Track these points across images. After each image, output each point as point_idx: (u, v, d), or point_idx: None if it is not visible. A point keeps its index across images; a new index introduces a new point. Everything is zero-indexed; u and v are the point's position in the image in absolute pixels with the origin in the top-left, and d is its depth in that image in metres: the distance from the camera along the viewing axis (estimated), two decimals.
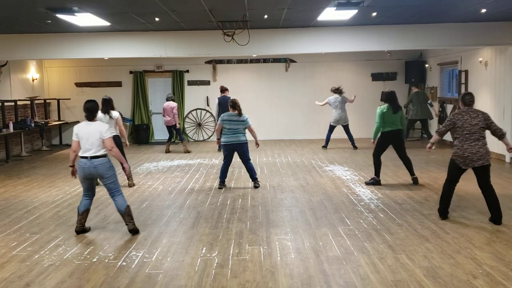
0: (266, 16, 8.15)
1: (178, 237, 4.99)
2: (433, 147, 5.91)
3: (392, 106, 7.24)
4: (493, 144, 9.86)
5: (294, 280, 3.83)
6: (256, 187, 7.33)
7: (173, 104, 11.21)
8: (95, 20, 7.93)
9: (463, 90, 11.14)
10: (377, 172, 7.45)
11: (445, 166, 8.80)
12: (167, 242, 4.83)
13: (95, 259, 4.37)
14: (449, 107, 11.96)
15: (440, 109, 12.22)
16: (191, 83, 13.84)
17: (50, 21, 8.08)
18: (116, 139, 7.22)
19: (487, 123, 5.21)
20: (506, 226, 5.19)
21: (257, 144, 7.45)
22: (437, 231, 5.02)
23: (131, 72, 13.78)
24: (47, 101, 13.33)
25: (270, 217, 5.71)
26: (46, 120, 12.64)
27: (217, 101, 10.98)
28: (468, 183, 7.43)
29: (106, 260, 4.35)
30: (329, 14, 7.83)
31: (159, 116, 14.04)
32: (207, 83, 13.87)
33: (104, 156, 5.01)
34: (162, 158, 10.65)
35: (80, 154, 4.99)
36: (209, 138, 13.98)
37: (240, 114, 7.18)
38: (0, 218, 5.85)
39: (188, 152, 11.37)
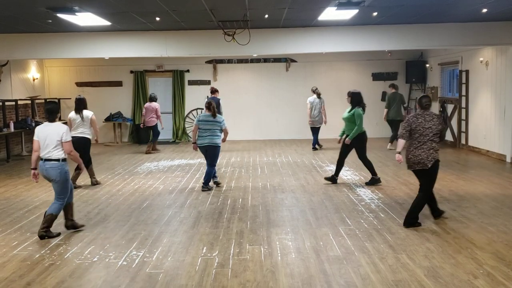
0: (266, 16, 8.15)
1: (178, 237, 4.99)
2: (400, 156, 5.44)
3: (363, 107, 7.38)
4: (494, 145, 9.93)
5: (295, 279, 3.83)
6: (203, 190, 7.21)
7: (156, 104, 11.30)
8: (96, 20, 7.93)
9: (464, 90, 11.15)
10: (373, 171, 7.48)
11: (445, 167, 8.86)
12: (167, 242, 4.83)
13: (95, 259, 4.37)
14: (449, 107, 11.95)
15: (441, 109, 12.21)
16: (191, 82, 13.84)
17: (50, 21, 8.08)
18: (84, 142, 7.28)
19: (439, 128, 5.19)
20: (506, 226, 5.19)
21: (223, 140, 7.41)
22: (438, 231, 5.02)
23: (131, 72, 13.79)
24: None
25: (270, 217, 5.71)
26: None
27: (207, 100, 11.04)
28: (468, 183, 7.43)
29: (107, 260, 4.35)
30: (329, 13, 7.82)
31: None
32: (207, 82, 13.85)
33: (57, 160, 4.92)
34: (163, 157, 10.65)
35: (40, 155, 4.97)
36: None
37: (214, 115, 7.09)
38: (1, 218, 5.85)
39: (151, 153, 11.34)
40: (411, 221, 5.20)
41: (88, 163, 7.55)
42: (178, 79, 13.76)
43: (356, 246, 4.60)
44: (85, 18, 7.71)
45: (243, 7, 7.35)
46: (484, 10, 7.82)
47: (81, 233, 5.16)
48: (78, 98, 7.53)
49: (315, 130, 11.45)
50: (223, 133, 7.27)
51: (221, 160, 10.21)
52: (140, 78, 13.74)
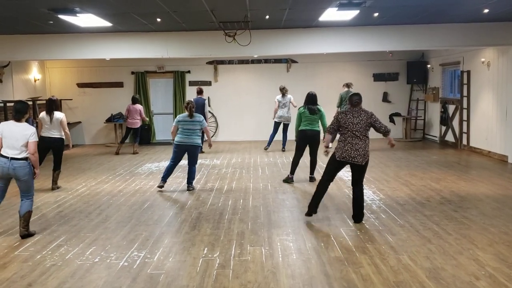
0: (267, 17, 8.15)
1: (179, 238, 4.99)
2: (330, 146, 5.79)
3: (308, 108, 7.55)
4: (496, 145, 9.91)
5: (296, 280, 3.83)
6: (189, 190, 7.26)
7: (139, 106, 11.37)
8: (97, 21, 7.94)
9: (465, 91, 11.13)
10: (293, 169, 7.78)
11: (447, 168, 8.86)
12: (168, 243, 4.83)
13: (97, 259, 4.38)
14: (451, 108, 11.94)
15: (442, 110, 12.20)
16: (192, 83, 13.83)
17: (52, 22, 8.09)
18: (55, 142, 7.23)
19: (371, 122, 5.39)
20: (508, 227, 5.18)
21: (210, 145, 7.56)
22: (439, 232, 5.01)
23: (132, 73, 13.79)
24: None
25: (271, 218, 5.70)
26: None
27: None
28: (469, 184, 7.42)
29: (108, 260, 4.35)
30: (330, 14, 7.82)
31: (160, 116, 14.08)
32: (208, 83, 13.86)
33: (25, 159, 4.94)
34: (164, 158, 10.65)
35: (1, 152, 4.93)
36: None
37: (191, 116, 7.10)
38: (2, 218, 5.86)
39: (137, 153, 11.41)
40: (362, 215, 5.45)
41: (56, 166, 7.44)
42: (179, 80, 13.76)
43: (357, 247, 4.59)
44: (86, 19, 7.72)
45: (244, 8, 7.35)
46: (486, 11, 7.81)
47: (82, 234, 5.16)
48: (50, 99, 7.41)
49: (285, 128, 11.45)
50: (206, 133, 7.34)
51: (222, 160, 10.22)
52: (141, 79, 13.75)
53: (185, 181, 8.08)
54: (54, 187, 7.55)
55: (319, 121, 7.68)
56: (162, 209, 6.23)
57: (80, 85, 13.85)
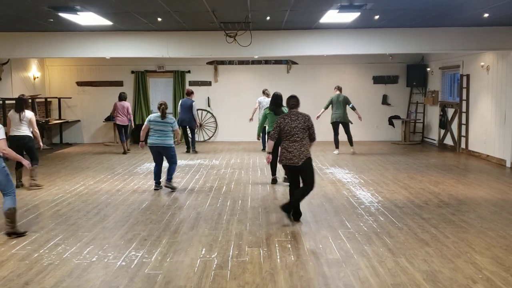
0: (268, 18, 8.16)
1: (177, 238, 4.99)
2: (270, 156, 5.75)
3: (274, 109, 7.50)
4: (494, 149, 9.92)
5: (294, 282, 3.82)
6: (167, 187, 7.22)
7: (127, 103, 11.34)
8: (98, 19, 7.93)
9: (464, 95, 11.15)
10: (273, 171, 7.78)
11: (446, 170, 8.87)
12: (166, 243, 4.82)
13: (94, 259, 4.37)
14: (450, 111, 11.95)
15: (441, 113, 12.22)
16: (192, 83, 13.83)
17: (52, 20, 8.08)
18: (24, 140, 7.14)
19: (307, 125, 5.41)
20: (506, 231, 5.18)
21: (176, 141, 7.47)
22: (437, 235, 5.02)
23: (132, 72, 13.78)
24: (48, 99, 13.33)
25: (270, 219, 5.70)
26: (47, 119, 12.65)
27: (180, 102, 11.24)
28: (467, 188, 7.43)
29: (106, 260, 4.34)
30: (331, 16, 7.83)
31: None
32: (208, 83, 13.87)
33: None
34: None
35: None
36: (209, 138, 13.98)
37: (163, 116, 7.10)
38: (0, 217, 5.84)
39: (127, 152, 11.36)
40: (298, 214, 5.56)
41: (34, 162, 7.34)
42: (179, 79, 13.75)
43: (356, 249, 4.59)
44: (86, 18, 7.71)
45: (245, 8, 7.35)
46: (486, 15, 7.83)
47: (80, 233, 5.15)
48: (20, 98, 7.36)
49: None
50: (176, 134, 7.31)
51: (221, 161, 10.22)
52: (141, 78, 13.74)
53: (183, 181, 8.08)
54: (32, 183, 7.41)
55: None
56: (160, 208, 6.22)
57: (80, 84, 13.84)
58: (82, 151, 11.95)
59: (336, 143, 11.09)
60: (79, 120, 13.91)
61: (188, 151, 11.40)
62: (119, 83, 13.82)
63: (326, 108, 11.10)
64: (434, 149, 12.08)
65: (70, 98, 13.72)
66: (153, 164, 7.45)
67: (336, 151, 11.10)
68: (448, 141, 12.10)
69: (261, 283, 3.82)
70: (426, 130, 13.57)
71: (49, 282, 3.85)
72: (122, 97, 11.38)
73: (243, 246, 4.69)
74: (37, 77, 12.94)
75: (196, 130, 11.71)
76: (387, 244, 4.75)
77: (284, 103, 6.58)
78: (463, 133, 11.25)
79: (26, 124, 7.20)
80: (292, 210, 5.51)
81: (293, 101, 5.58)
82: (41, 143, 7.64)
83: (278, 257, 4.39)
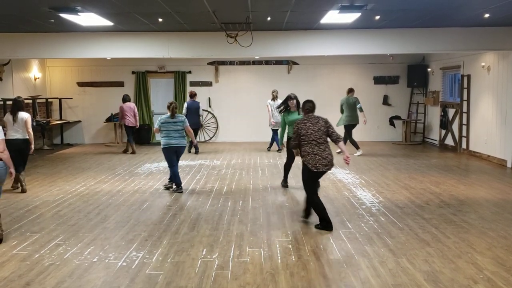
0: (269, 18, 8.16)
1: (178, 238, 4.99)
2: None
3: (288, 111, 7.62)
4: (495, 150, 9.91)
5: (295, 283, 3.82)
6: (179, 192, 7.19)
7: (132, 104, 11.43)
8: (98, 20, 7.94)
9: (465, 95, 11.14)
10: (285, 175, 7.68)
11: (447, 171, 8.86)
12: (167, 243, 4.82)
13: (95, 259, 4.37)
14: (451, 112, 11.95)
15: (442, 114, 12.21)
16: (193, 84, 13.84)
17: (53, 21, 8.09)
18: (18, 143, 7.02)
19: (327, 128, 5.30)
20: (507, 231, 5.18)
21: (193, 142, 7.58)
22: (438, 236, 5.01)
23: (133, 73, 13.79)
24: (49, 100, 13.34)
25: (271, 219, 5.70)
26: (48, 119, 12.65)
27: (185, 105, 11.21)
28: (468, 188, 7.42)
29: (107, 260, 4.34)
30: (332, 17, 7.83)
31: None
32: (209, 84, 13.87)
33: None
34: (164, 158, 10.63)
35: None
36: (210, 139, 13.99)
37: (172, 115, 7.13)
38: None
39: (126, 153, 11.42)
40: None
41: (20, 168, 7.13)
42: (180, 80, 13.76)
43: (356, 249, 4.59)
44: (87, 18, 7.72)
45: (246, 9, 7.36)
46: (486, 15, 7.83)
47: (81, 234, 5.15)
48: (14, 99, 7.28)
49: (276, 132, 11.47)
50: (188, 132, 7.31)
51: (222, 161, 10.22)
52: (141, 78, 13.75)
53: (184, 181, 8.08)
54: (15, 187, 7.28)
55: None
56: (161, 209, 6.23)
57: (81, 84, 13.85)
58: (83, 152, 11.96)
59: (354, 144, 10.91)
60: (80, 121, 13.92)
61: (196, 152, 11.41)
62: (120, 84, 13.83)
63: (342, 111, 11.01)
64: (435, 150, 12.08)
65: (71, 98, 13.73)
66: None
67: (359, 152, 10.80)
68: (449, 141, 12.10)
69: (262, 283, 3.82)
70: (427, 131, 13.57)
71: (50, 282, 3.86)
72: (126, 99, 11.43)
73: (244, 247, 4.69)
74: (38, 78, 12.95)
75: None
76: (388, 244, 4.75)
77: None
78: (464, 133, 11.24)
79: (21, 126, 7.11)
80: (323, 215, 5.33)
81: (309, 105, 5.44)
82: (32, 146, 7.30)
83: (279, 257, 4.39)
